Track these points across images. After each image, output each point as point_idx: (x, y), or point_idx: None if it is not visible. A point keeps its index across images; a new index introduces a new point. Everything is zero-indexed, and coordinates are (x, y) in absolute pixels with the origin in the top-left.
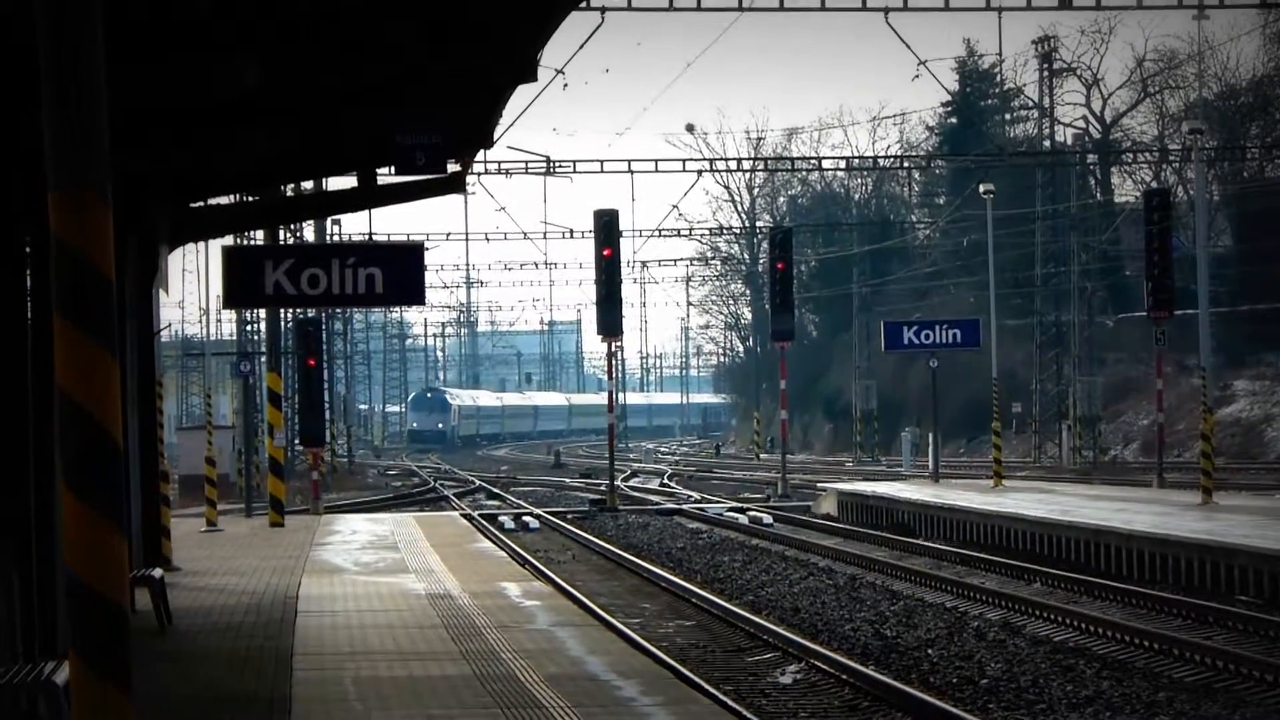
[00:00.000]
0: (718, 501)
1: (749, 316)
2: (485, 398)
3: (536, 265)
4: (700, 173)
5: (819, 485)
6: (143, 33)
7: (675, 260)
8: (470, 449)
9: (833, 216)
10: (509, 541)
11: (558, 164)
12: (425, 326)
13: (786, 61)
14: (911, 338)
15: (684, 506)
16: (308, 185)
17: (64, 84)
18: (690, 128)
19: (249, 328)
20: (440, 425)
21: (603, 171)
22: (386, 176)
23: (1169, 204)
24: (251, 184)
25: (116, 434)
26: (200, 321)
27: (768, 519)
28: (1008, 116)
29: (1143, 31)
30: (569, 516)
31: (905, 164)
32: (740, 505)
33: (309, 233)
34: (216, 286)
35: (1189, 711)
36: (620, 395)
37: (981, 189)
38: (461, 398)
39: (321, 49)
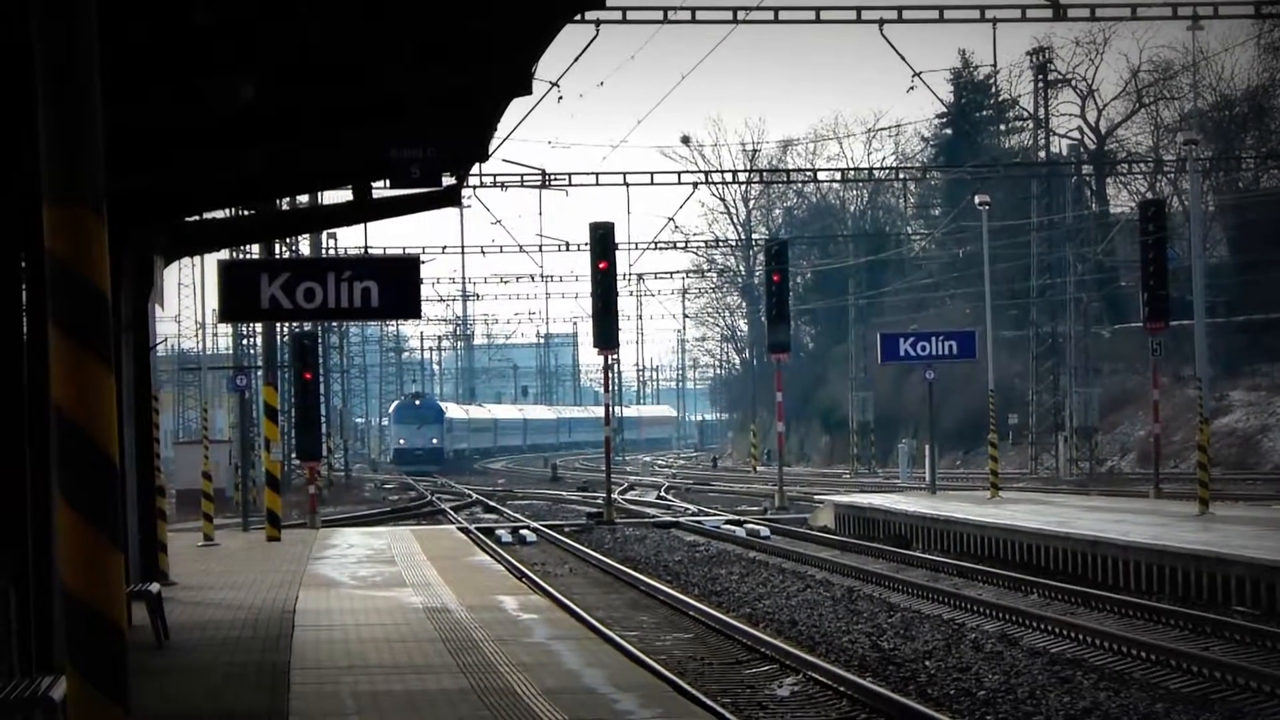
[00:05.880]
0: (715, 514)
1: (745, 328)
2: (475, 410)
3: (532, 278)
4: (696, 185)
5: (816, 497)
6: (140, 52)
7: (671, 273)
8: (463, 466)
9: (828, 228)
10: (506, 555)
11: (553, 177)
12: (421, 340)
13: (781, 73)
14: (908, 349)
15: (681, 519)
16: (303, 199)
17: (60, 101)
18: (686, 140)
19: (245, 342)
20: (435, 441)
21: (598, 184)
22: (382, 190)
23: (1164, 215)
24: (247, 198)
25: (113, 449)
26: (196, 336)
27: (765, 531)
28: (1003, 128)
29: (1137, 42)
30: (566, 530)
31: (901, 175)
32: (737, 518)
33: (304, 246)
34: (212, 300)
35: None
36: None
37: (977, 200)
38: (452, 410)
39: (318, 67)
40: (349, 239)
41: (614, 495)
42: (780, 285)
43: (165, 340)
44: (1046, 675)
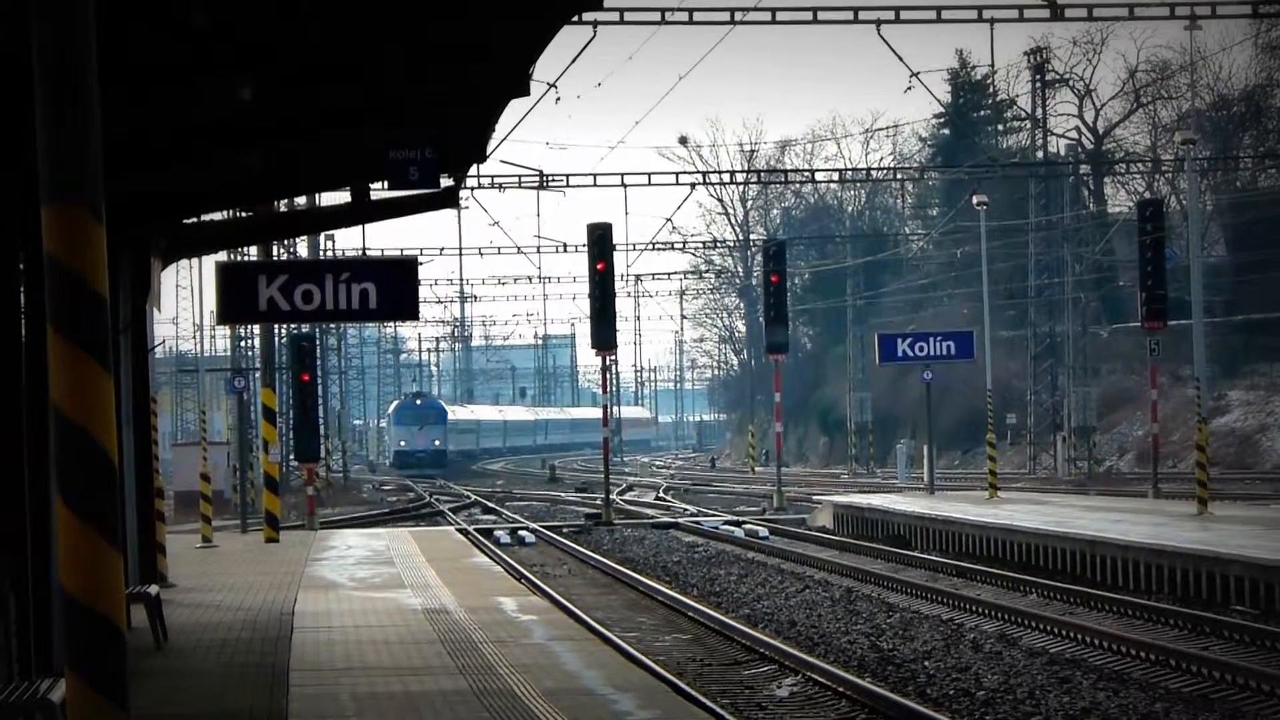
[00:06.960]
0: (713, 515)
1: (743, 329)
2: (459, 411)
3: (530, 279)
4: (693, 185)
5: (814, 498)
6: (139, 52)
7: (669, 274)
8: (459, 469)
9: (826, 229)
10: (505, 556)
11: (551, 178)
12: (419, 341)
13: (779, 74)
14: (906, 350)
15: (680, 520)
16: (301, 201)
17: (58, 103)
18: (683, 140)
19: (243, 344)
20: (437, 442)
21: (596, 185)
22: (380, 192)
23: (1162, 214)
24: (245, 200)
25: (111, 450)
26: (194, 337)
27: (764, 532)
28: (1000, 128)
29: (1135, 42)
30: (565, 531)
31: (898, 176)
32: (736, 518)
33: (302, 248)
34: (210, 302)
35: None
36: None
37: (975, 200)
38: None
39: (316, 69)
40: (347, 240)
41: (612, 496)
42: (778, 286)
43: (163, 342)
44: (1046, 675)
